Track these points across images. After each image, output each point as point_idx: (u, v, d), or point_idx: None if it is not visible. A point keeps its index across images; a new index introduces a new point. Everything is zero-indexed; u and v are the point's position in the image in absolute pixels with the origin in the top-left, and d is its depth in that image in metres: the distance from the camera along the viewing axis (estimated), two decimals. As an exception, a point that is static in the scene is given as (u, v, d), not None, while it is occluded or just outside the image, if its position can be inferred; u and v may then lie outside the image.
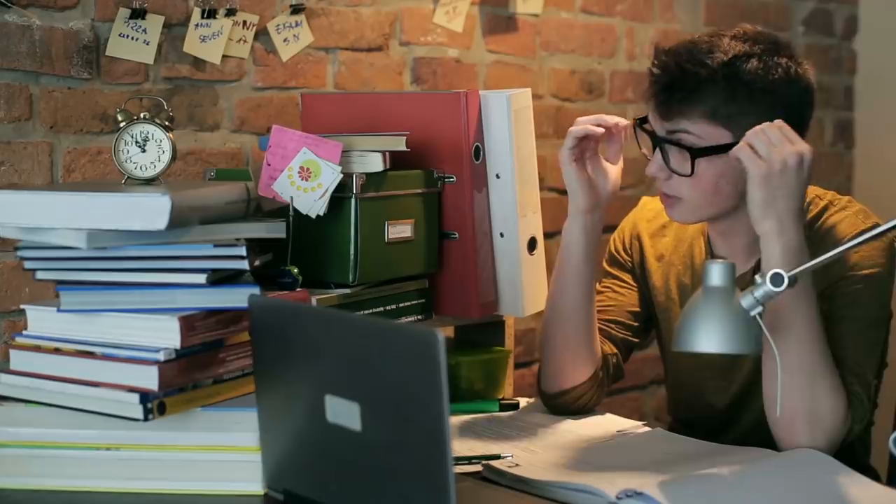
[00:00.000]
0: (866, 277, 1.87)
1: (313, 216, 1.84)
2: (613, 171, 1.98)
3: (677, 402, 2.13)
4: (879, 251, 1.89)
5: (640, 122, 1.94)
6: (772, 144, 1.74)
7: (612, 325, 2.06)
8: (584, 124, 1.94)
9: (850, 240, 1.75)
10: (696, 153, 1.85)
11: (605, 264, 2.15)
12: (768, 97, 1.85)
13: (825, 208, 1.94)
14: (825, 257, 1.61)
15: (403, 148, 1.94)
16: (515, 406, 2.04)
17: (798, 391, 1.75)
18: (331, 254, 1.88)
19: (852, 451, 1.90)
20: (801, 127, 1.86)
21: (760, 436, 1.82)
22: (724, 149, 1.84)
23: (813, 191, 1.96)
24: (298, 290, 1.75)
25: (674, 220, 1.98)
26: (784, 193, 1.73)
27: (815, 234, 1.90)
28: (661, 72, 1.88)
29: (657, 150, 1.90)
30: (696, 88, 1.85)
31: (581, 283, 1.96)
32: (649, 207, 2.14)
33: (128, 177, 1.77)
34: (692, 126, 1.86)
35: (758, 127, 1.76)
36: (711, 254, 2.00)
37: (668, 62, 1.88)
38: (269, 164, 1.85)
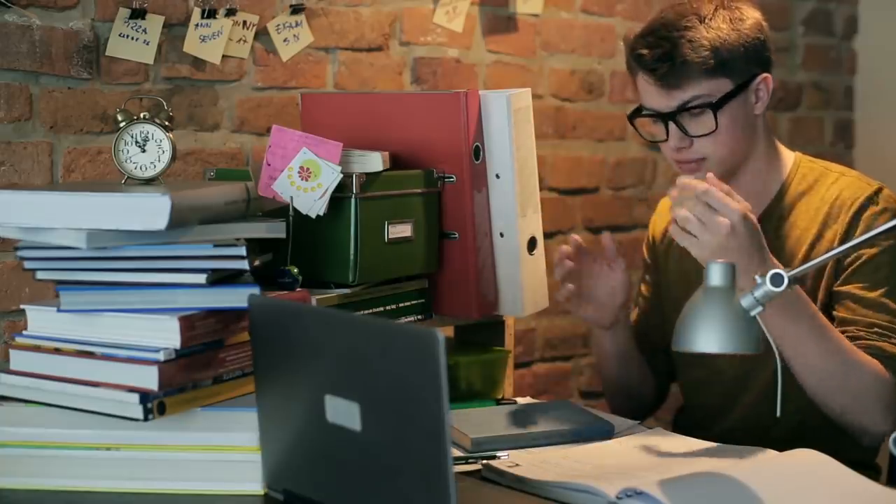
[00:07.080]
0: (884, 249, 1.94)
1: (313, 216, 1.84)
2: (618, 282, 2.08)
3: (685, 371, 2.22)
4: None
5: (635, 114, 2.03)
6: (703, 224, 1.76)
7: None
8: (561, 260, 2.08)
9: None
10: (716, 106, 1.94)
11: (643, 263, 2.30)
12: (744, 37, 1.96)
13: (821, 176, 2.04)
14: (838, 250, 1.65)
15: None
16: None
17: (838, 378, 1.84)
18: (331, 254, 1.88)
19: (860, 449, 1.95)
20: (766, 63, 2.02)
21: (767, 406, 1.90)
22: (733, 94, 1.96)
23: (798, 157, 2.07)
24: (298, 290, 1.75)
25: None
26: (738, 258, 1.72)
27: (819, 202, 2.00)
28: (651, 49, 1.95)
29: (670, 125, 1.96)
30: (690, 49, 1.93)
31: (625, 375, 2.17)
32: (665, 208, 2.24)
33: (128, 177, 1.77)
34: (699, 87, 1.95)
35: (677, 198, 1.79)
36: None
37: (651, 40, 1.96)
38: (269, 164, 1.85)
